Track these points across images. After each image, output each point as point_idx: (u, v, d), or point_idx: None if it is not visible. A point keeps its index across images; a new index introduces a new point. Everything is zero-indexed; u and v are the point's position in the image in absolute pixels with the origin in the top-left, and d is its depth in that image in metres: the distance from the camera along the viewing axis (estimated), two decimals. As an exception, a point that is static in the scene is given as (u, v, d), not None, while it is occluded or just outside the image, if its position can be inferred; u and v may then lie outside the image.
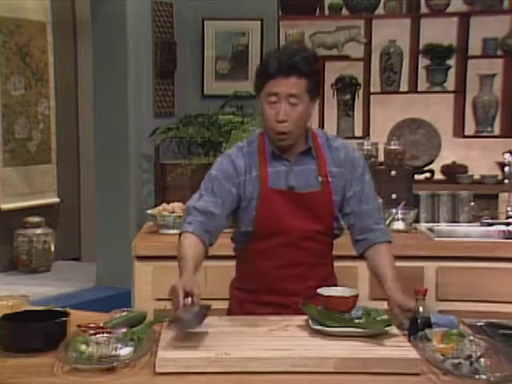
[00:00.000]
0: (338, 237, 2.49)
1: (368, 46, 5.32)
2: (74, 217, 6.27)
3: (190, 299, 2.04)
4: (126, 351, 1.94)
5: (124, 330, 2.04)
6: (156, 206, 3.94)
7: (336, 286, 2.43)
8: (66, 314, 2.11)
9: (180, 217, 3.66)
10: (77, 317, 2.18)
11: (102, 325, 2.09)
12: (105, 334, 1.97)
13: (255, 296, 2.46)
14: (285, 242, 2.36)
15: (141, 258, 3.48)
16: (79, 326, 2.07)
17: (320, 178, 2.35)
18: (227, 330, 2.15)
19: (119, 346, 1.95)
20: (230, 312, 2.54)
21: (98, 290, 4.79)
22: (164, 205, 3.77)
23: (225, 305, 3.00)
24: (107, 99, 4.79)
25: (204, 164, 4.07)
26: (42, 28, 5.88)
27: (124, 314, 2.24)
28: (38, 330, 1.99)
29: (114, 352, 1.92)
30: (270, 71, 2.25)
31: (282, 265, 2.40)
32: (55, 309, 2.22)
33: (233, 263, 3.31)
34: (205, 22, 4.92)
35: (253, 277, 2.47)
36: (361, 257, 2.47)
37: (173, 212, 3.69)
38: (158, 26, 4.93)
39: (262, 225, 2.35)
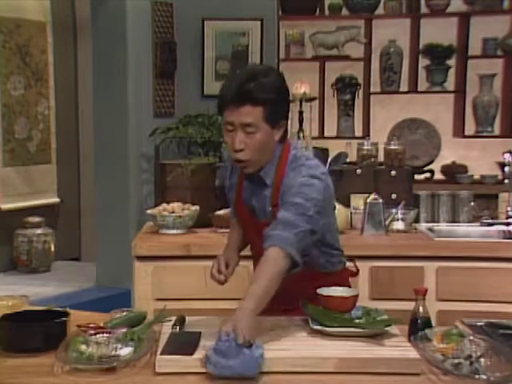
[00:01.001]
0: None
1: (368, 45, 5.32)
2: (74, 217, 6.27)
3: None
4: (126, 351, 1.94)
5: (124, 330, 2.04)
6: (156, 206, 3.94)
7: None
8: (66, 314, 2.11)
9: (180, 217, 3.67)
10: (77, 317, 2.18)
11: (102, 325, 2.09)
12: (105, 334, 1.96)
13: None
14: (255, 256, 2.35)
15: (141, 258, 3.47)
16: (79, 326, 2.07)
17: (270, 209, 2.26)
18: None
19: (119, 346, 1.94)
20: None
21: (97, 290, 4.79)
22: (164, 205, 3.77)
23: (225, 305, 3.00)
24: (107, 99, 4.78)
25: (204, 164, 4.06)
26: (41, 28, 5.88)
27: (124, 314, 2.24)
28: (38, 330, 1.98)
29: (114, 352, 1.92)
30: (224, 100, 2.15)
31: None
32: (55, 309, 2.22)
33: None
34: (205, 22, 4.91)
35: None
36: None
37: (173, 212, 3.69)
38: (158, 26, 4.92)
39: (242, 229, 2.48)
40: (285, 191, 2.20)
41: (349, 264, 2.54)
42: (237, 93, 2.12)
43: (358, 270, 2.52)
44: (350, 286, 2.42)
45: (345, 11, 5.34)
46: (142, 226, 4.09)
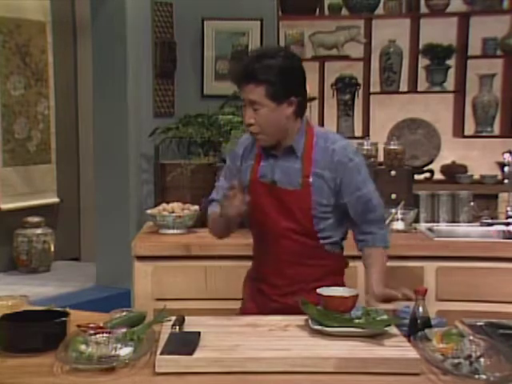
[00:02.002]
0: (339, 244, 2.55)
1: (368, 45, 5.32)
2: (74, 217, 6.26)
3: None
4: (125, 351, 1.94)
5: (124, 330, 2.03)
6: (156, 205, 3.94)
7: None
8: (66, 314, 2.11)
9: (180, 217, 3.67)
10: (77, 317, 2.18)
11: (101, 325, 2.09)
12: (105, 334, 1.96)
13: (252, 282, 2.59)
14: (266, 233, 2.46)
15: (141, 258, 3.48)
16: (79, 325, 2.06)
17: (301, 179, 2.39)
18: (227, 329, 2.15)
19: (119, 345, 1.95)
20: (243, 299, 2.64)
21: (97, 290, 4.78)
22: (164, 205, 3.77)
23: (226, 305, 3.01)
24: (107, 99, 4.78)
25: (204, 164, 4.05)
26: (41, 28, 5.87)
27: (124, 314, 2.24)
28: (38, 330, 1.98)
29: (113, 352, 1.92)
30: (235, 78, 2.40)
31: (264, 255, 2.51)
32: (55, 309, 2.22)
33: (233, 263, 3.33)
34: (204, 22, 4.91)
35: (253, 260, 2.62)
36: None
37: (172, 212, 3.69)
38: (158, 25, 4.92)
39: (250, 213, 2.42)
40: (334, 169, 2.38)
41: None
42: (242, 73, 2.35)
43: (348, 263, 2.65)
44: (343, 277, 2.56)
45: (344, 11, 5.33)
46: (141, 226, 4.09)
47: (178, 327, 2.13)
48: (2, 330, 1.98)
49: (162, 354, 1.92)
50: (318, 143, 2.41)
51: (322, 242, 2.46)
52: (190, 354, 1.93)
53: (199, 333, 2.07)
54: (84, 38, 5.96)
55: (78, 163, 6.30)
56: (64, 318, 2.06)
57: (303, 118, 2.44)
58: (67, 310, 2.21)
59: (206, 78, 4.93)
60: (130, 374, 1.86)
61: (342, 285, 2.48)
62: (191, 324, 2.18)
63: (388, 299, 2.31)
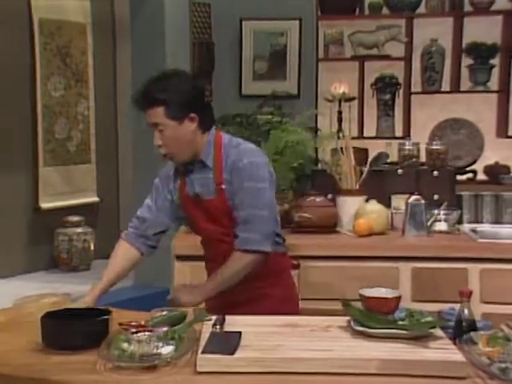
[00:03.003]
0: (280, 244, 2.66)
1: (409, 45, 5.26)
2: (113, 216, 6.31)
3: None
4: (167, 350, 1.94)
5: (165, 328, 2.03)
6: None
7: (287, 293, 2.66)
8: (108, 312, 2.11)
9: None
10: (118, 315, 2.18)
11: (143, 323, 2.08)
12: (146, 333, 1.96)
13: None
14: (206, 241, 2.69)
15: (180, 258, 3.47)
16: (121, 324, 2.06)
17: (215, 187, 2.53)
18: (267, 330, 2.13)
19: (160, 344, 1.94)
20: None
21: (136, 289, 4.79)
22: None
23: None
24: (146, 99, 4.80)
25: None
26: (82, 29, 5.93)
27: (164, 312, 2.23)
28: (81, 328, 1.99)
29: (155, 350, 1.92)
30: (136, 104, 2.49)
31: (210, 260, 2.70)
32: (97, 307, 2.23)
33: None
34: (243, 22, 4.91)
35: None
36: None
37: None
38: (196, 26, 4.93)
39: (190, 226, 2.69)
40: (232, 170, 2.49)
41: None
42: (142, 99, 2.47)
43: (298, 264, 2.83)
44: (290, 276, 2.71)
45: (385, 10, 5.29)
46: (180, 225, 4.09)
47: (219, 327, 2.11)
48: (46, 328, 1.99)
49: (203, 353, 1.91)
50: (225, 152, 2.53)
51: None
52: (232, 353, 1.91)
53: (240, 332, 2.06)
54: (123, 39, 5.99)
55: (117, 163, 6.34)
56: (107, 316, 2.06)
57: (211, 130, 2.55)
58: (109, 308, 2.21)
59: (244, 78, 4.93)
60: (171, 373, 1.85)
61: (288, 284, 2.68)
62: (231, 323, 2.16)
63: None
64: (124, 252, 2.69)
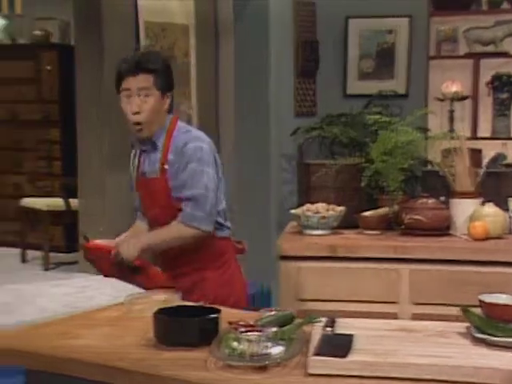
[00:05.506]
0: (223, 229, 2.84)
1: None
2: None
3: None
4: (277, 350, 1.91)
5: (274, 329, 2.00)
6: (299, 206, 3.91)
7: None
8: (218, 311, 2.11)
9: (324, 217, 3.62)
10: (225, 314, 2.18)
11: (252, 323, 2.07)
12: (255, 332, 1.93)
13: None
14: (150, 221, 2.85)
15: (285, 258, 3.46)
16: (230, 322, 2.06)
17: (159, 166, 2.72)
18: (379, 333, 2.07)
19: (270, 344, 1.92)
20: None
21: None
22: (308, 205, 3.73)
23: (372, 308, 2.95)
24: (248, 99, 4.84)
25: (349, 164, 3.99)
26: (185, 31, 6.02)
27: (273, 313, 2.21)
28: (194, 325, 2.00)
29: (265, 350, 1.89)
30: (123, 70, 2.68)
31: None
32: (206, 305, 2.22)
33: (380, 266, 3.26)
34: (349, 20, 4.84)
35: None
36: None
37: (317, 212, 3.65)
38: (300, 25, 4.91)
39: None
40: (178, 153, 2.69)
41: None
42: (133, 64, 2.66)
43: (243, 248, 2.99)
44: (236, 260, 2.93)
45: (505, 5, 5.06)
46: (282, 225, 4.08)
47: (330, 329, 2.07)
48: (160, 324, 2.00)
49: (315, 355, 1.87)
50: (175, 134, 2.72)
51: None
52: (344, 356, 1.87)
53: (352, 335, 2.01)
54: (225, 39, 6.03)
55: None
56: (217, 315, 2.06)
57: (169, 114, 2.80)
58: (217, 306, 2.21)
59: (348, 77, 4.86)
60: (282, 374, 1.82)
61: (229, 267, 2.86)
62: (341, 326, 2.11)
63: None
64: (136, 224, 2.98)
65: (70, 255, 6.63)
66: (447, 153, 3.68)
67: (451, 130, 3.92)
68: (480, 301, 2.06)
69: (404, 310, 3.25)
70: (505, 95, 5.03)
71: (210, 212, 2.68)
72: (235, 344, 1.91)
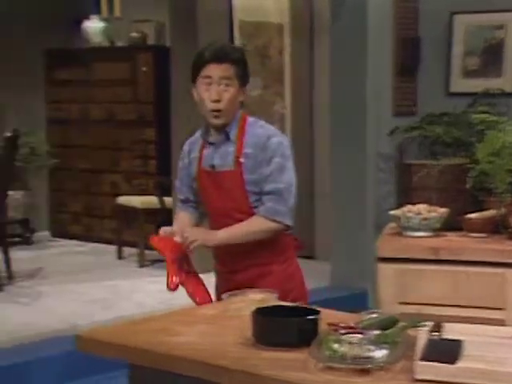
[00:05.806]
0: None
1: None
2: (309, 217, 6.30)
3: None
4: (380, 354, 1.83)
5: (376, 332, 1.92)
6: (398, 207, 3.81)
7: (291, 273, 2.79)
8: (317, 312, 2.05)
9: (426, 219, 3.51)
10: (325, 315, 2.12)
11: (352, 325, 1.99)
12: (357, 335, 1.88)
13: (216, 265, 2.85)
14: (213, 214, 2.77)
15: (384, 260, 3.39)
16: (330, 324, 1.99)
17: (234, 159, 2.66)
18: (491, 340, 1.96)
19: (372, 347, 1.84)
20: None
21: (332, 290, 4.74)
22: (409, 206, 3.63)
23: (477, 313, 2.83)
24: (345, 98, 4.77)
25: (452, 165, 3.85)
26: (279, 30, 6.00)
27: (374, 315, 2.14)
28: (293, 326, 1.96)
29: (367, 353, 1.82)
30: (205, 58, 2.66)
31: None
32: (304, 305, 2.19)
33: (485, 270, 3.13)
34: (453, 16, 4.66)
35: None
36: None
37: (418, 214, 3.54)
38: (401, 22, 4.79)
39: (202, 199, 2.80)
40: (258, 146, 2.65)
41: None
42: (219, 53, 2.66)
43: (301, 246, 2.91)
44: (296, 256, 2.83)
45: None
46: (379, 226, 4.00)
47: (437, 333, 1.98)
48: (259, 324, 1.97)
49: (421, 360, 1.78)
50: (249, 128, 2.69)
51: None
52: (452, 362, 1.77)
53: (461, 341, 1.90)
54: (321, 38, 5.97)
55: (312, 162, 6.33)
56: (317, 316, 2.01)
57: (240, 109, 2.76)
58: (316, 307, 2.15)
59: (452, 75, 4.68)
60: (386, 379, 1.75)
61: (292, 263, 2.78)
62: (447, 331, 2.01)
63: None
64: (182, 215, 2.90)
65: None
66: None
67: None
68: None
69: (512, 317, 3.11)
70: None
71: (292, 207, 2.68)
72: (336, 346, 1.85)
